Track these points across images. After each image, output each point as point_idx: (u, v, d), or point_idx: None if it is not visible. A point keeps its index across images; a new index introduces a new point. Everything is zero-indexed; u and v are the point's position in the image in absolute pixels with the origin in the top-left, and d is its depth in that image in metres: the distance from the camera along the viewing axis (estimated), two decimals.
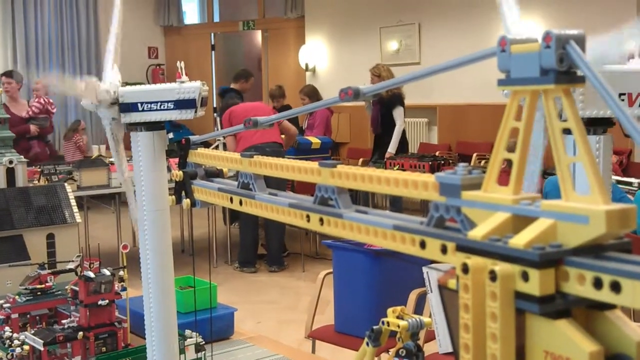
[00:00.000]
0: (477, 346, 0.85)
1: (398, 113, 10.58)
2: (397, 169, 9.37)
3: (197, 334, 3.02)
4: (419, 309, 4.61)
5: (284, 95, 12.11)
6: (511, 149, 0.95)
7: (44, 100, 11.08)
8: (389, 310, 1.66)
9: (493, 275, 0.84)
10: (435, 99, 12.73)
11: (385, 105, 10.55)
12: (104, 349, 3.07)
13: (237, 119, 9.90)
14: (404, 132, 10.73)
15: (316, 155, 11.05)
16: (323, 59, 15.40)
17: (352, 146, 13.76)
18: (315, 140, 11.13)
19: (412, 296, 4.68)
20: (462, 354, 0.86)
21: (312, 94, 11.97)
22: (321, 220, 1.20)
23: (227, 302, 3.70)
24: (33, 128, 10.62)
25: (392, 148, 10.50)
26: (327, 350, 5.17)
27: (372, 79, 10.87)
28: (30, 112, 10.80)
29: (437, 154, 10.80)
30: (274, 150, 9.63)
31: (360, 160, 11.64)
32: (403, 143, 10.71)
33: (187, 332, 3.00)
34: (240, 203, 1.42)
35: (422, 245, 1.02)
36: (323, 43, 15.36)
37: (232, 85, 11.44)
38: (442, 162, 9.43)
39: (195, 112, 1.86)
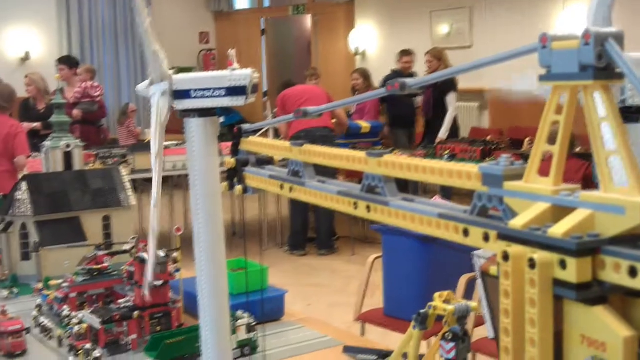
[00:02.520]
0: (516, 330, 0.89)
1: (451, 98, 10.52)
2: (448, 154, 9.34)
3: (249, 315, 3.09)
4: (468, 293, 4.61)
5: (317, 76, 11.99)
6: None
7: (86, 85, 11.28)
8: (436, 295, 1.69)
9: (532, 263, 0.88)
10: (487, 83, 12.60)
11: (439, 90, 10.49)
12: (158, 328, 3.17)
13: (291, 101, 9.95)
14: (455, 117, 10.67)
15: (366, 140, 11.05)
16: (373, 43, 15.34)
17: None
18: (364, 125, 11.12)
19: (462, 281, 4.69)
20: (502, 337, 0.90)
21: (366, 75, 12.01)
22: (368, 207, 1.24)
23: (278, 284, 3.76)
24: (76, 112, 10.83)
25: (443, 133, 10.45)
26: (376, 333, 5.21)
27: (430, 63, 10.79)
28: (73, 98, 11.02)
29: (488, 138, 10.68)
30: (324, 134, 9.66)
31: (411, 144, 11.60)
32: (454, 128, 10.65)
33: (239, 313, 3.07)
34: (290, 190, 1.46)
35: (466, 233, 1.05)
36: (373, 27, 15.30)
37: None
38: (494, 147, 9.32)
39: (246, 99, 1.91)
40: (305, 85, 10.65)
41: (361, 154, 1.28)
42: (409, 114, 11.66)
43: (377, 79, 12.24)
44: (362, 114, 11.73)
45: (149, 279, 2.08)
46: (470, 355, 4.51)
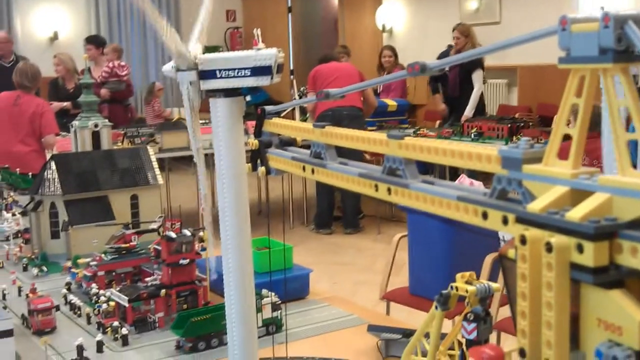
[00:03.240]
0: (533, 313, 0.90)
1: (477, 76, 10.43)
2: (475, 132, 9.28)
3: (274, 293, 3.11)
4: (494, 273, 4.60)
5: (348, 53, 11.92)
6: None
7: (113, 64, 11.34)
8: (458, 276, 1.69)
9: (549, 247, 0.88)
10: (515, 60, 12.46)
11: (465, 67, 10.40)
12: (185, 306, 3.21)
13: (321, 78, 9.92)
14: (481, 94, 10.58)
15: (392, 118, 11.01)
16: (400, 20, 15.23)
17: (429, 108, 13.63)
18: (391, 103, 11.08)
19: (488, 260, 4.68)
20: (519, 320, 0.91)
21: (394, 52, 11.97)
22: (389, 190, 1.24)
23: (303, 262, 3.78)
24: (104, 92, 10.90)
25: (469, 111, 10.38)
26: (402, 312, 5.22)
27: (457, 39, 10.70)
28: (100, 78, 11.09)
29: (516, 116, 10.60)
30: (351, 114, 9.64)
31: (437, 122, 11.54)
32: (481, 106, 10.57)
33: (264, 291, 3.09)
34: (312, 172, 1.47)
35: (485, 216, 1.06)
36: (400, 3, 15.18)
37: None
38: (522, 124, 9.24)
39: (271, 78, 1.91)
40: (340, 62, 10.55)
41: (382, 136, 1.29)
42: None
43: (404, 56, 12.17)
44: (389, 91, 11.69)
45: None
46: (495, 334, 4.51)
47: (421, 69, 1.14)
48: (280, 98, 13.24)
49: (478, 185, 4.38)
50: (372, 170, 1.32)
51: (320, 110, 9.71)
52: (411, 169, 1.23)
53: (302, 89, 11.23)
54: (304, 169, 1.54)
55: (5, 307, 3.26)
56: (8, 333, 2.81)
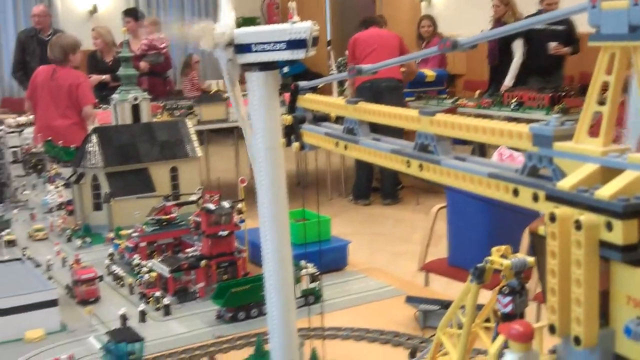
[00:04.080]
0: (562, 290, 0.90)
1: (517, 44, 10.25)
2: (515, 102, 9.16)
3: (312, 265, 3.15)
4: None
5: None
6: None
7: (152, 37, 11.40)
8: (493, 250, 1.69)
9: (578, 225, 0.88)
10: None
11: (505, 36, 10.23)
12: (224, 276, 3.26)
13: (360, 47, 9.86)
14: (522, 63, 10.42)
15: (431, 88, 10.92)
16: None
17: (468, 78, 13.50)
18: (430, 73, 10.98)
19: (527, 234, 4.65)
20: (549, 297, 0.92)
21: (433, 22, 11.83)
22: (420, 166, 1.25)
23: (341, 234, 3.80)
24: (143, 64, 10.98)
25: (509, 80, 10.24)
26: (440, 283, 5.23)
27: (497, 7, 10.52)
28: (139, 51, 11.16)
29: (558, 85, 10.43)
30: (390, 85, 9.57)
31: (477, 92, 11.41)
32: (521, 75, 10.41)
33: (302, 263, 3.13)
34: (345, 148, 1.49)
35: (515, 193, 1.06)
36: None
37: None
38: (563, 93, 9.10)
39: (306, 51, 1.92)
40: (380, 29, 10.42)
41: (414, 113, 1.29)
42: (547, 61, 10.51)
43: (443, 25, 12.02)
44: (427, 62, 11.57)
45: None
46: (534, 306, 4.50)
47: (452, 46, 1.14)
48: (318, 69, 13.18)
49: (518, 156, 4.35)
50: (404, 146, 1.33)
51: (358, 82, 9.66)
52: (443, 145, 1.24)
53: (339, 59, 11.18)
54: (337, 144, 1.55)
55: (50, 278, 3.34)
56: (53, 303, 2.89)
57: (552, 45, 9.96)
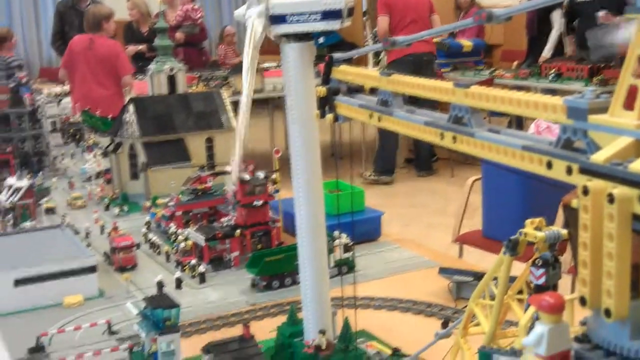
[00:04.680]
0: (594, 263, 0.90)
1: (556, 15, 10.06)
2: (554, 73, 9.03)
3: (345, 235, 3.16)
4: None
5: None
6: None
7: (187, 7, 11.40)
8: (527, 222, 1.69)
9: (611, 198, 0.88)
10: None
11: (544, 6, 10.04)
12: (259, 246, 3.30)
13: (397, 7, 9.71)
14: (560, 34, 10.23)
15: (468, 59, 10.81)
16: None
17: (506, 48, 13.29)
18: (466, 44, 10.85)
19: (562, 203, 4.62)
20: (580, 269, 0.92)
21: None
22: (454, 138, 1.25)
23: (375, 205, 3.81)
24: (178, 35, 11.00)
25: (547, 52, 10.07)
26: (474, 255, 5.21)
27: None
28: (175, 21, 11.17)
29: None
30: (429, 59, 9.50)
31: (515, 63, 11.25)
32: (559, 46, 10.23)
33: (336, 233, 3.14)
34: (379, 119, 1.49)
35: (549, 165, 1.06)
36: None
37: None
38: (602, 65, 8.94)
39: (342, 22, 1.91)
40: None
41: (448, 84, 1.29)
42: None
43: None
44: (464, 31, 11.42)
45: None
46: (568, 278, 4.47)
47: (487, 18, 1.13)
48: (353, 40, 13.10)
49: (555, 127, 4.30)
50: (437, 118, 1.33)
51: (399, 54, 9.44)
52: (477, 117, 1.24)
53: (374, 30, 11.09)
54: (370, 116, 1.55)
55: (88, 245, 3.40)
56: (92, 269, 2.96)
57: (601, 14, 9.69)
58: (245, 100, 2.07)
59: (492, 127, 1.24)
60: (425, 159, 10.21)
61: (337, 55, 1.81)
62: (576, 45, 10.04)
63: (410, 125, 1.39)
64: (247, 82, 2.06)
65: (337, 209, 3.36)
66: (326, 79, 1.81)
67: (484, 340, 1.62)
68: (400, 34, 9.15)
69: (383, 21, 9.48)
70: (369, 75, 1.61)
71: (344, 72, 1.75)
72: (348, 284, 2.97)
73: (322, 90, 1.80)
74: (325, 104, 1.80)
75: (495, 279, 1.69)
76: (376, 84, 1.56)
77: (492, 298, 1.68)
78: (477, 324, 1.71)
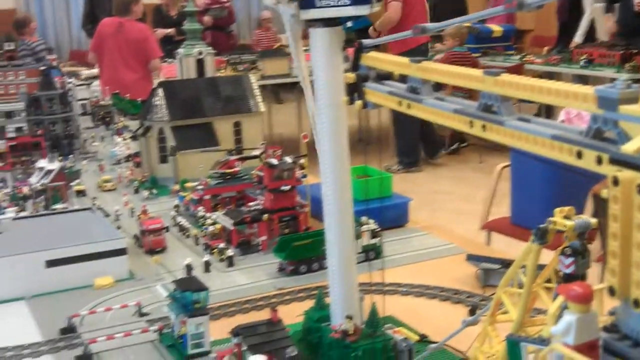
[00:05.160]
0: (623, 253, 0.90)
1: (588, 0, 9.93)
2: (585, 59, 8.92)
3: (373, 221, 3.17)
4: None
5: None
6: None
7: None
8: (556, 210, 1.68)
9: None
10: None
11: None
12: (286, 230, 3.32)
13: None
14: (592, 20, 10.09)
15: (497, 44, 10.71)
16: None
17: (537, 34, 13.16)
18: (496, 29, 10.75)
19: (593, 192, 4.56)
20: (610, 259, 0.92)
21: None
22: (483, 126, 1.25)
23: (402, 191, 3.80)
24: (206, 19, 11.02)
25: (578, 37, 9.95)
26: (502, 242, 5.18)
27: None
28: (203, 5, 11.19)
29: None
30: (427, 49, 9.44)
31: (545, 48, 11.13)
32: (591, 31, 10.09)
33: (363, 218, 3.15)
34: (409, 107, 1.49)
35: (579, 155, 1.05)
36: None
37: None
38: (635, 51, 8.80)
39: (371, 7, 1.91)
40: None
41: (478, 72, 1.28)
42: (634, 21, 9.72)
43: None
44: (494, 16, 11.31)
45: None
46: (598, 267, 4.44)
47: (518, 5, 1.13)
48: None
49: (586, 115, 4.25)
50: (467, 106, 1.33)
51: (414, 43, 9.25)
52: (507, 105, 1.23)
53: None
54: (400, 103, 1.55)
55: (119, 227, 3.44)
56: (122, 252, 2.99)
57: (637, 0, 9.49)
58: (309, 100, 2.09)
59: (521, 115, 1.24)
60: (431, 146, 10.08)
61: (366, 41, 1.80)
62: (617, 29, 9.80)
63: (440, 113, 1.39)
64: (301, 74, 2.06)
65: (365, 195, 3.37)
66: (355, 66, 1.81)
67: (512, 328, 1.62)
68: (409, 22, 9.06)
69: (396, 7, 9.35)
70: (398, 62, 1.61)
71: (374, 59, 1.75)
72: (376, 270, 3.00)
73: (351, 76, 1.80)
74: (354, 90, 1.80)
75: (524, 267, 1.69)
76: (406, 70, 1.56)
77: (520, 286, 1.68)
78: (505, 312, 1.71)
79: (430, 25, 1.47)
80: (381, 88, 1.69)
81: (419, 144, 9.96)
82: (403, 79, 1.65)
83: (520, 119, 1.23)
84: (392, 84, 1.72)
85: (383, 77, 1.76)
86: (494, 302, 1.71)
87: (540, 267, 1.65)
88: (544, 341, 1.50)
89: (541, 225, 1.67)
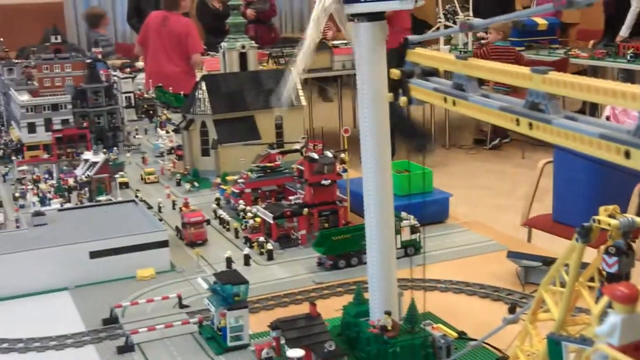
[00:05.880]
0: None
1: None
2: (632, 52, 8.76)
3: (413, 216, 3.16)
4: None
5: None
6: None
7: None
8: (601, 209, 1.66)
9: None
10: None
11: None
12: (326, 224, 3.33)
13: None
14: (639, 13, 9.91)
15: (542, 37, 10.56)
16: None
17: (582, 27, 12.94)
18: (541, 22, 10.60)
19: (637, 191, 4.49)
20: None
21: None
22: (530, 124, 1.24)
23: (441, 185, 3.77)
24: (249, 12, 11.05)
25: (624, 31, 9.79)
26: (543, 239, 5.13)
27: None
28: None
29: None
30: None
31: (591, 42, 10.96)
32: (637, 25, 9.91)
33: (403, 214, 3.14)
34: (454, 103, 1.48)
35: (627, 155, 1.04)
36: None
37: None
38: None
39: (416, 1, 1.90)
40: None
41: (525, 70, 1.27)
42: None
43: None
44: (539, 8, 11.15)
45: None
46: None
47: (568, 3, 1.11)
48: (423, 17, 12.94)
49: (631, 110, 4.18)
50: (513, 103, 1.31)
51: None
52: (554, 104, 1.22)
53: (447, 7, 10.94)
54: (445, 100, 1.55)
55: (161, 220, 3.48)
56: (164, 244, 3.03)
57: None
58: (307, 45, 2.04)
59: (568, 113, 1.22)
60: (493, 140, 10.01)
61: (412, 37, 1.79)
62: None
63: (486, 110, 1.38)
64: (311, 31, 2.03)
65: (405, 190, 3.36)
66: (400, 62, 1.80)
67: (554, 327, 1.60)
68: (393, 22, 8.91)
69: None
70: (444, 58, 1.60)
71: (419, 55, 1.74)
72: (416, 266, 2.99)
73: (396, 72, 1.79)
74: (399, 86, 1.80)
75: (567, 265, 1.67)
76: (451, 67, 1.55)
77: (563, 285, 1.66)
78: (547, 310, 1.69)
79: (476, 21, 1.45)
80: (426, 84, 1.69)
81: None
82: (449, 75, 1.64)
83: (567, 117, 1.22)
84: (437, 80, 1.71)
85: (428, 73, 1.75)
86: (536, 301, 1.69)
87: (584, 266, 1.64)
88: (586, 341, 1.49)
89: (585, 224, 1.66)
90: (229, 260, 2.95)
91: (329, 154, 3.31)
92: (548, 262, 2.76)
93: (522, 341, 1.73)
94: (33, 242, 2.94)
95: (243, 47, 4.61)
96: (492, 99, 1.41)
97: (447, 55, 1.60)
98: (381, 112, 2.09)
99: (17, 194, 3.96)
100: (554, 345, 1.57)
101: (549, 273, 1.66)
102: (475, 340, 2.20)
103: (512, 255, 2.91)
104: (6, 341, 2.46)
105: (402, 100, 1.78)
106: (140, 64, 8.59)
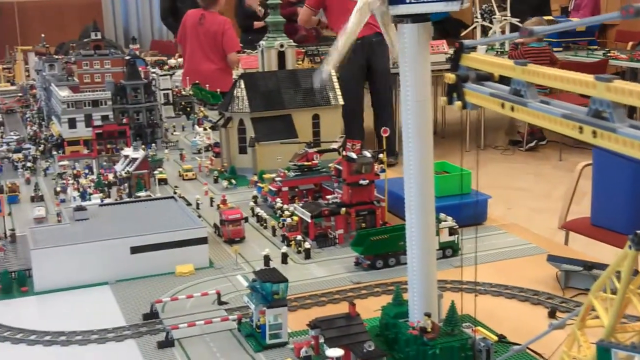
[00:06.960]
0: None
1: None
2: None
3: (451, 218, 3.14)
4: None
5: None
6: None
7: None
8: None
9: None
10: None
11: None
12: (363, 224, 3.32)
13: None
14: None
15: (580, 38, 10.43)
16: None
17: (621, 28, 12.75)
18: None
19: None
20: None
21: None
22: (594, 133, 1.22)
23: (480, 187, 3.73)
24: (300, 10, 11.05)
25: None
26: (581, 243, 5.06)
27: None
28: None
29: None
30: (379, 40, 9.17)
31: (630, 44, 10.80)
32: None
33: (442, 215, 3.12)
34: (512, 109, 1.46)
35: None
36: None
37: None
38: None
39: (462, 3, 1.89)
40: None
41: (589, 78, 1.25)
42: None
43: None
44: (579, 9, 11.03)
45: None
46: None
47: (636, 13, 1.09)
48: (459, 16, 12.85)
49: None
50: (576, 111, 1.30)
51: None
52: (619, 112, 1.20)
53: (484, 6, 10.85)
54: (502, 105, 1.53)
55: (199, 216, 3.50)
56: (203, 240, 3.04)
57: None
58: (350, 30, 2.04)
59: (633, 122, 1.20)
60: (530, 141, 9.93)
61: (467, 42, 1.78)
62: None
63: (546, 117, 1.36)
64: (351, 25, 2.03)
65: (443, 191, 3.34)
66: (455, 66, 1.79)
67: (604, 333, 1.58)
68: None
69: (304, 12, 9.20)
70: (501, 64, 1.58)
71: (474, 60, 1.73)
72: (453, 268, 2.97)
73: (451, 77, 1.78)
74: (454, 90, 1.78)
75: (618, 272, 1.65)
76: (509, 73, 1.53)
77: (613, 292, 1.64)
78: (596, 317, 1.67)
79: (537, 27, 1.44)
80: (482, 89, 1.67)
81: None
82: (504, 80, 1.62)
83: (632, 127, 1.20)
84: (492, 85, 1.69)
85: (483, 78, 1.73)
86: (585, 307, 1.67)
87: (635, 273, 1.62)
88: (636, 348, 1.47)
89: (639, 231, 1.63)
90: (266, 258, 2.95)
91: (367, 153, 3.30)
92: (589, 266, 2.73)
93: (569, 347, 1.71)
94: (76, 237, 2.97)
95: (281, 45, 4.61)
96: (552, 105, 1.39)
97: (504, 60, 1.58)
98: (424, 114, 2.08)
99: (58, 189, 4.00)
100: (604, 352, 1.56)
101: (600, 280, 1.64)
102: (516, 344, 2.18)
103: (553, 259, 2.88)
104: (48, 334, 2.49)
105: (457, 104, 1.77)
106: (172, 61, 8.62)
